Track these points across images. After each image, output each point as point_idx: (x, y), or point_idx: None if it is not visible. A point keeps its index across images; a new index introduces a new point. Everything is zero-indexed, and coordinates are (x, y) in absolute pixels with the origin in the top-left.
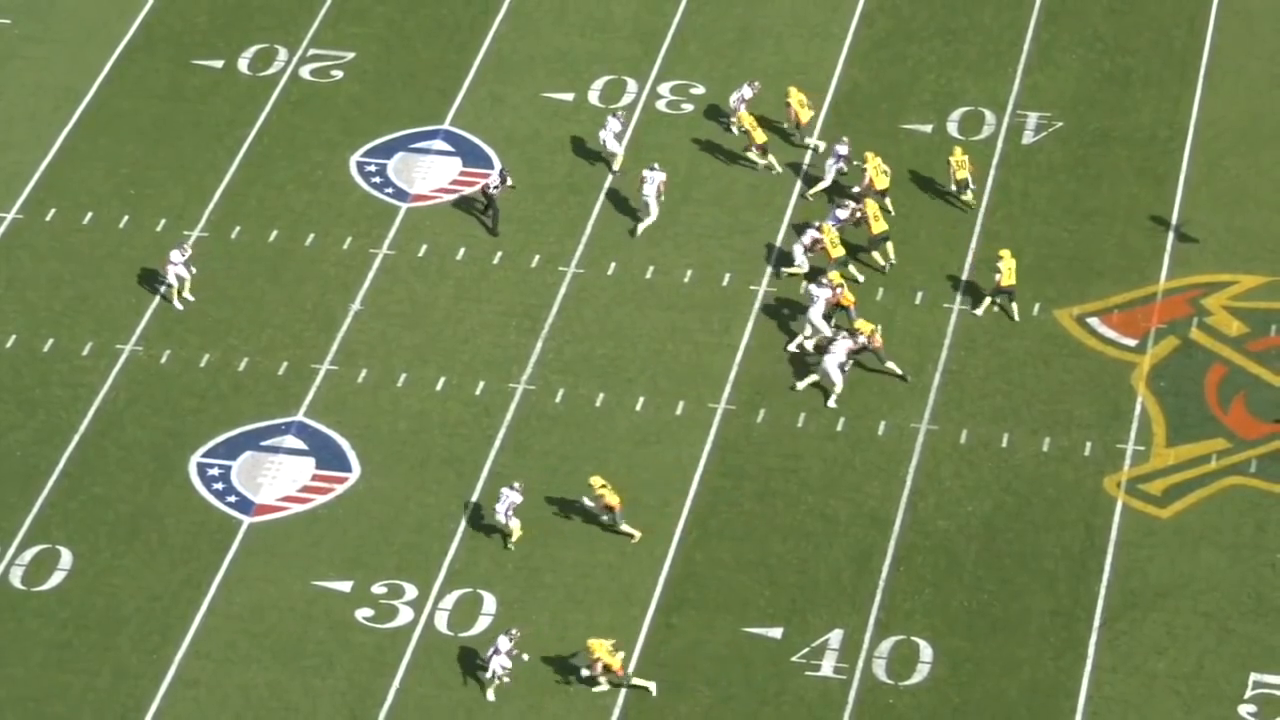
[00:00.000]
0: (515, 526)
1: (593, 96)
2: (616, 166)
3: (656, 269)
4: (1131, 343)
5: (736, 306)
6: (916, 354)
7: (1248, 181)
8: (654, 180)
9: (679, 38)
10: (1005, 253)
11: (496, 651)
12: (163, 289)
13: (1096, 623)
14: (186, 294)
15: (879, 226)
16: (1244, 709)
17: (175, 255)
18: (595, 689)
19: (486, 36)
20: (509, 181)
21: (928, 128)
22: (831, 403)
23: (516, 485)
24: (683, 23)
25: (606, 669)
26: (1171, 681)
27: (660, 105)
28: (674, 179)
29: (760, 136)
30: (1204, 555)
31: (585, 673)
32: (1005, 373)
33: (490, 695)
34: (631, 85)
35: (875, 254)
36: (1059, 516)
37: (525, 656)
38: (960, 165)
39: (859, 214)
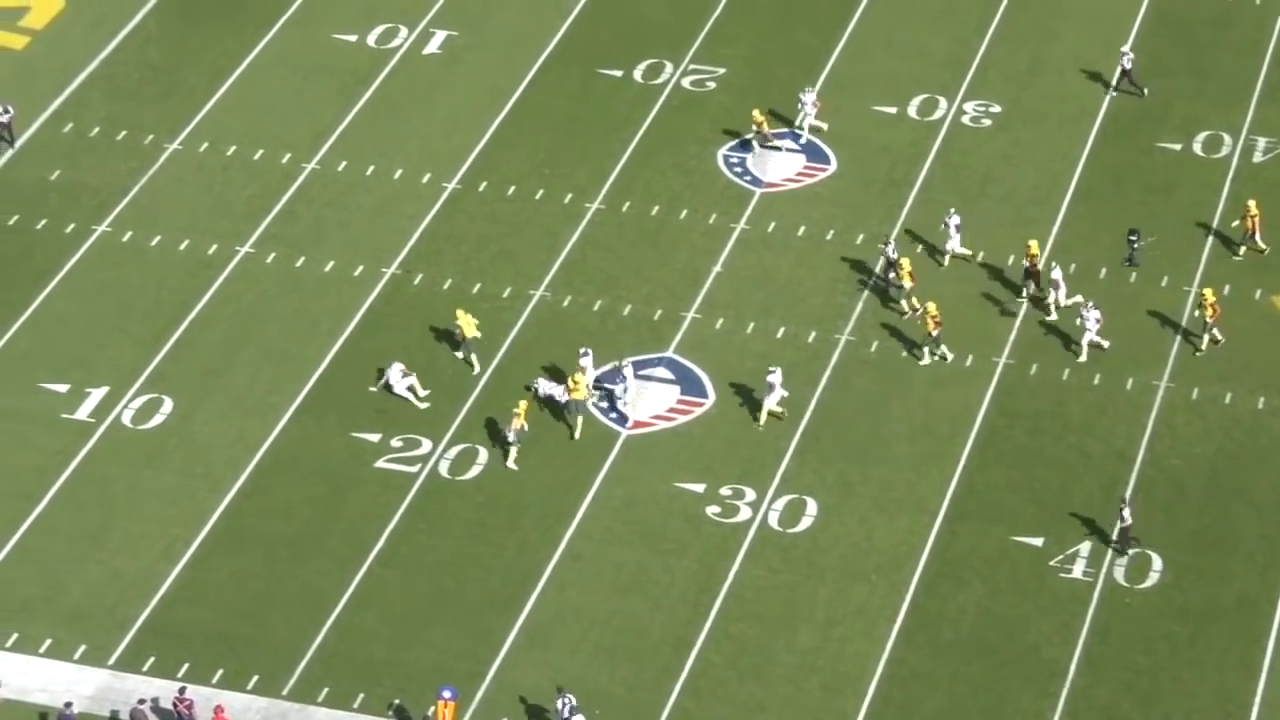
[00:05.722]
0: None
1: (911, 110)
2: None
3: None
4: None
5: (1018, 283)
6: (1160, 324)
7: None
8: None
9: (982, 66)
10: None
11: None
12: None
13: None
14: None
15: None
16: None
17: None
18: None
19: (830, 59)
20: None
21: (1177, 146)
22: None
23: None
24: (985, 55)
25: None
26: None
27: (964, 120)
28: (972, 179)
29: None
30: None
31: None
32: (1230, 343)
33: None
34: (942, 103)
35: None
36: (1269, 461)
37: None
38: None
39: None
